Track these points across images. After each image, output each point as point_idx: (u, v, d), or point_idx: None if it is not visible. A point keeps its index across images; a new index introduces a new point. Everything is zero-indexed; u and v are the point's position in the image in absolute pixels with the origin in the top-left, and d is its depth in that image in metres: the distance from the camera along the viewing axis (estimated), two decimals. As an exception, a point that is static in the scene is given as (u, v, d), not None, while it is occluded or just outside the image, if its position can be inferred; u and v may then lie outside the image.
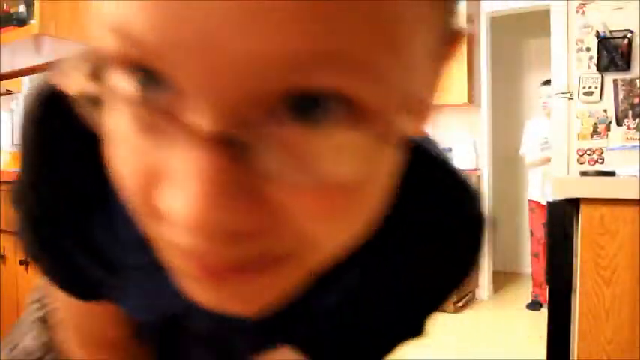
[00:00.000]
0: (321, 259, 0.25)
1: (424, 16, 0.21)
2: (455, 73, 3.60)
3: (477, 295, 3.81)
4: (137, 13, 0.18)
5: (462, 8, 3.66)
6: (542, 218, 3.30)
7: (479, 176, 3.85)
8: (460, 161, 3.71)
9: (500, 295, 3.89)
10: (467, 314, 3.44)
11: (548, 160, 3.27)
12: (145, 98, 0.20)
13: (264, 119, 0.19)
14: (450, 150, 3.80)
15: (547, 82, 3.35)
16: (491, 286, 3.90)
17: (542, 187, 3.32)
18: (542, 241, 3.29)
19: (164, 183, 0.21)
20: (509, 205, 4.40)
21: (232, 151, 0.19)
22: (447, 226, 0.40)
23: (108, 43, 0.20)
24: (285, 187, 0.21)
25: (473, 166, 3.75)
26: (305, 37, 0.17)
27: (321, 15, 0.17)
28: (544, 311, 3.26)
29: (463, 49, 3.44)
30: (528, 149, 3.41)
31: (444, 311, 3.40)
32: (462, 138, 3.76)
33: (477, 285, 3.83)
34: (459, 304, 3.50)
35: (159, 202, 0.21)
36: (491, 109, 3.89)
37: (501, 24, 4.11)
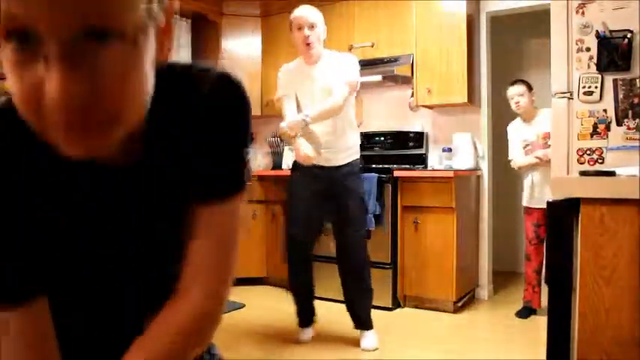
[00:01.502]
0: (134, 118, 0.53)
1: None
2: (455, 73, 3.60)
3: (477, 295, 3.82)
4: (16, 3, 0.44)
5: (462, 8, 3.69)
6: (532, 220, 3.31)
7: (479, 176, 3.85)
8: (460, 161, 3.71)
9: (500, 295, 3.89)
10: (467, 314, 3.44)
11: (536, 163, 3.28)
12: (21, 49, 0.46)
13: (80, 42, 0.46)
14: (450, 150, 3.81)
15: (514, 82, 3.37)
16: (491, 286, 3.90)
17: (531, 191, 3.33)
18: (534, 242, 3.30)
19: (43, 90, 0.47)
20: (509, 205, 4.40)
21: (70, 59, 0.46)
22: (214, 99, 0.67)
23: None
24: (100, 76, 0.48)
25: (473, 166, 3.75)
26: (90, 5, 0.45)
27: None
28: (534, 317, 3.26)
29: (463, 49, 3.43)
30: (514, 154, 3.42)
31: (444, 311, 3.40)
32: (462, 138, 3.76)
33: (477, 285, 3.83)
34: (459, 304, 3.50)
35: (43, 104, 0.47)
36: (491, 109, 3.89)
37: (501, 24, 4.11)
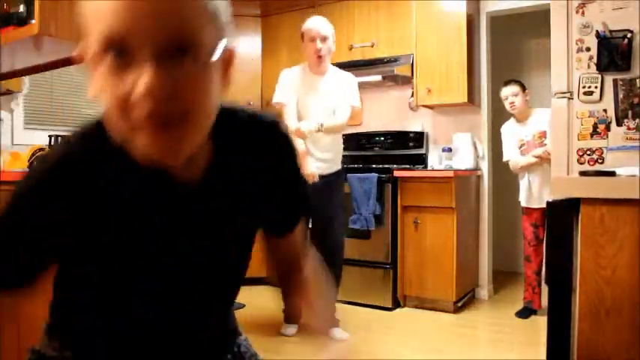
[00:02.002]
0: (203, 124, 0.64)
1: (207, 26, 0.62)
2: (455, 73, 3.60)
3: (477, 295, 3.81)
4: (116, 23, 0.57)
5: (462, 8, 3.69)
6: (531, 220, 3.31)
7: (479, 176, 3.85)
8: (460, 161, 3.71)
9: (500, 295, 3.89)
10: (467, 314, 3.44)
11: (531, 164, 3.28)
12: (117, 59, 0.58)
13: (166, 52, 0.58)
14: (450, 150, 3.81)
15: (508, 82, 3.37)
16: (491, 286, 3.90)
17: (529, 191, 3.33)
18: (533, 243, 3.30)
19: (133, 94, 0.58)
20: (509, 205, 4.40)
21: (158, 63, 0.57)
22: (265, 136, 0.80)
23: (95, 42, 0.59)
24: (183, 78, 0.59)
25: (473, 166, 3.75)
26: (173, 22, 0.58)
27: (179, 13, 0.59)
28: (534, 317, 3.26)
29: (463, 49, 3.43)
30: (510, 155, 3.41)
31: (444, 311, 3.40)
32: (462, 138, 3.76)
33: (476, 285, 3.83)
34: (459, 304, 3.50)
35: (132, 106, 0.58)
36: (491, 109, 3.89)
37: (501, 24, 4.11)
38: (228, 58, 0.67)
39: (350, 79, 2.98)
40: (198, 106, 0.62)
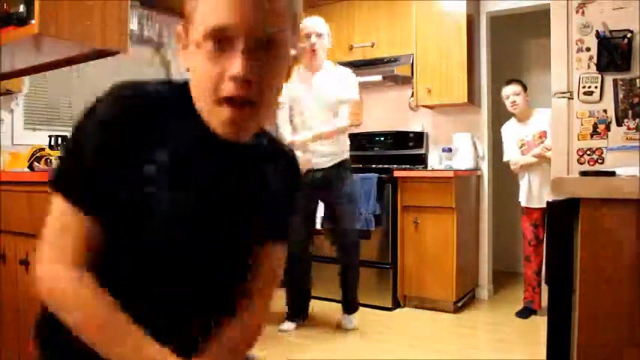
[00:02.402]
0: (269, 110, 0.81)
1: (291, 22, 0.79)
2: (455, 73, 3.60)
3: (477, 295, 3.81)
4: (226, 17, 0.72)
5: (462, 8, 3.69)
6: (531, 220, 3.31)
7: (479, 176, 3.85)
8: (460, 161, 3.71)
9: (500, 295, 3.89)
10: (467, 314, 3.44)
11: (531, 164, 3.28)
12: (217, 47, 0.73)
13: (256, 45, 0.74)
14: (450, 150, 3.80)
15: (509, 82, 3.37)
16: (491, 286, 3.90)
17: (529, 191, 3.33)
18: (533, 243, 3.30)
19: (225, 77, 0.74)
20: (509, 205, 4.40)
21: (250, 53, 0.73)
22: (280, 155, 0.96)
23: (201, 30, 0.74)
24: (265, 68, 0.75)
25: (473, 166, 3.74)
26: (267, 21, 0.74)
27: (272, 13, 0.74)
28: (534, 317, 3.26)
29: (463, 49, 3.43)
30: (511, 155, 3.41)
31: (444, 311, 3.40)
32: (462, 138, 3.76)
33: (476, 285, 3.83)
34: (459, 304, 3.50)
35: (223, 86, 0.74)
36: (491, 109, 3.89)
37: (501, 24, 4.11)
38: (295, 57, 0.82)
39: (346, 73, 3.05)
40: (271, 95, 0.78)
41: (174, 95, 0.80)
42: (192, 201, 0.80)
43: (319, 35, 2.93)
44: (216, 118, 0.76)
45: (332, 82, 2.96)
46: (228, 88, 0.73)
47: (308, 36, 2.89)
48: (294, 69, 0.83)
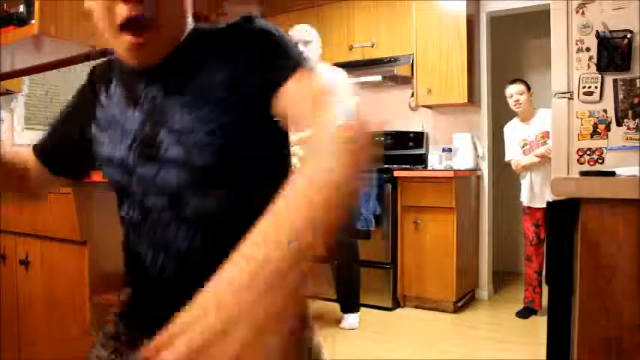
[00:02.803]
0: (170, 31, 0.77)
1: None
2: (455, 73, 3.60)
3: (477, 295, 3.81)
4: None
5: (462, 8, 3.69)
6: (532, 220, 3.31)
7: (479, 176, 3.85)
8: (460, 161, 3.71)
9: (500, 295, 3.89)
10: (467, 314, 3.44)
11: (533, 163, 3.28)
12: None
13: None
14: (450, 150, 3.81)
15: (514, 81, 3.38)
16: (491, 286, 3.90)
17: (531, 191, 3.33)
18: (534, 243, 3.30)
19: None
20: (510, 205, 4.40)
21: None
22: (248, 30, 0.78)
23: None
24: None
25: (473, 166, 3.74)
26: None
27: None
28: (534, 318, 3.26)
29: (463, 49, 3.44)
30: (513, 155, 3.41)
31: (444, 311, 3.40)
32: (462, 138, 3.76)
33: (477, 285, 3.83)
34: (459, 304, 3.50)
35: (117, 14, 0.71)
36: (491, 109, 3.89)
37: (501, 24, 4.11)
38: None
39: (340, 75, 3.01)
40: (166, 13, 0.74)
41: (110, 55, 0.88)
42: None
43: (306, 43, 2.96)
44: (121, 49, 0.75)
45: None
46: (121, 11, 0.71)
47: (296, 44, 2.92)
48: None
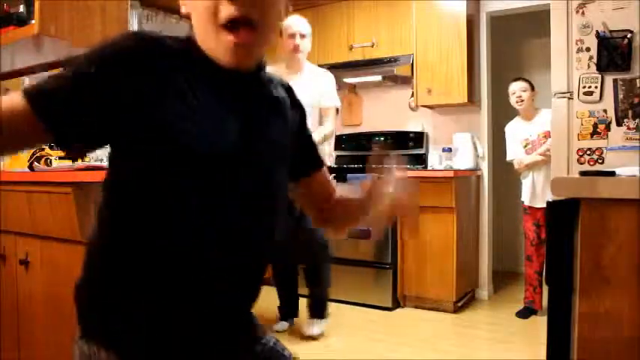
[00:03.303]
0: (269, 37, 0.81)
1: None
2: (455, 73, 3.60)
3: (477, 295, 3.81)
4: None
5: (462, 8, 3.69)
6: (533, 220, 3.31)
7: (479, 176, 3.85)
8: (460, 161, 3.71)
9: (500, 295, 3.89)
10: (467, 314, 3.44)
11: (536, 162, 3.28)
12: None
13: None
14: (450, 150, 3.80)
15: (517, 79, 3.38)
16: (491, 286, 3.90)
17: (532, 190, 3.32)
18: (535, 242, 3.30)
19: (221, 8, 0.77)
20: (510, 205, 4.40)
21: None
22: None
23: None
24: None
25: (473, 166, 3.74)
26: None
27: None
28: (534, 318, 3.26)
29: (463, 49, 3.43)
30: (513, 154, 3.41)
31: (444, 311, 3.40)
32: (462, 138, 3.76)
33: (477, 285, 3.83)
34: (459, 304, 3.50)
35: (222, 11, 0.75)
36: (491, 109, 3.89)
37: (501, 24, 4.11)
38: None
39: (328, 77, 3.05)
40: (270, 19, 0.78)
41: (179, 46, 0.80)
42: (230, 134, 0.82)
43: (303, 36, 2.93)
44: (221, 46, 0.76)
45: (314, 84, 2.94)
46: (227, 11, 0.74)
47: (293, 36, 2.89)
48: (288, 8, 0.86)
